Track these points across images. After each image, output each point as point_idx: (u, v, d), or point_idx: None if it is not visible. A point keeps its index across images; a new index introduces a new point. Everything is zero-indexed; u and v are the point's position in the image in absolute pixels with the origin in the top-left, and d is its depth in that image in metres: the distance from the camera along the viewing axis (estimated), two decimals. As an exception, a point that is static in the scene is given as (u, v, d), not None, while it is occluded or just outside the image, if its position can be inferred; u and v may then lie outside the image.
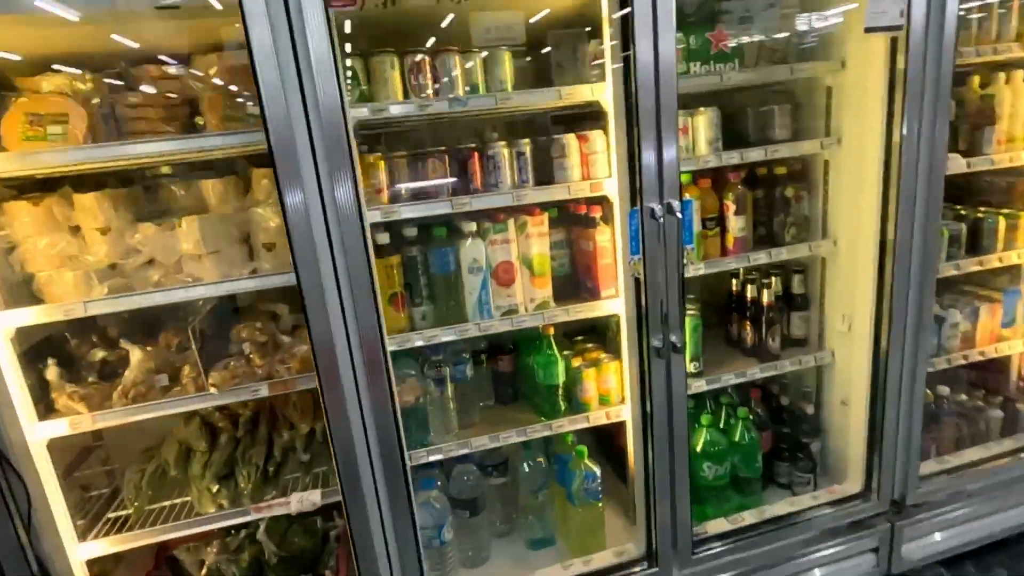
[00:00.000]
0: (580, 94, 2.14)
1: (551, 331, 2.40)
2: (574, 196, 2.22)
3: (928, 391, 2.81)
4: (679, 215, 1.96)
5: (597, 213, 2.31)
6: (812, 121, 2.56)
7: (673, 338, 2.10)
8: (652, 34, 1.85)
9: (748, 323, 2.68)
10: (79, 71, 2.03)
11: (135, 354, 2.10)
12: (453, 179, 2.17)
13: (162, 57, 2.17)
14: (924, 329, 2.49)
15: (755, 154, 2.34)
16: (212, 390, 2.02)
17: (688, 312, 2.51)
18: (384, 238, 2.16)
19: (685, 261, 2.05)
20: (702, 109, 2.33)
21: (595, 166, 2.25)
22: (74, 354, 2.26)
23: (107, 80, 2.09)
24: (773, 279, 2.67)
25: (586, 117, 2.33)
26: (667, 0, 1.84)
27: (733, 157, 2.32)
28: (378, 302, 1.88)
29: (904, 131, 2.24)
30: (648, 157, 1.95)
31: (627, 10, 1.85)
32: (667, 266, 2.04)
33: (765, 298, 2.60)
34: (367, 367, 1.88)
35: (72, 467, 2.50)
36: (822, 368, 2.78)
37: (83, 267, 1.96)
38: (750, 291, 2.67)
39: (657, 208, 1.96)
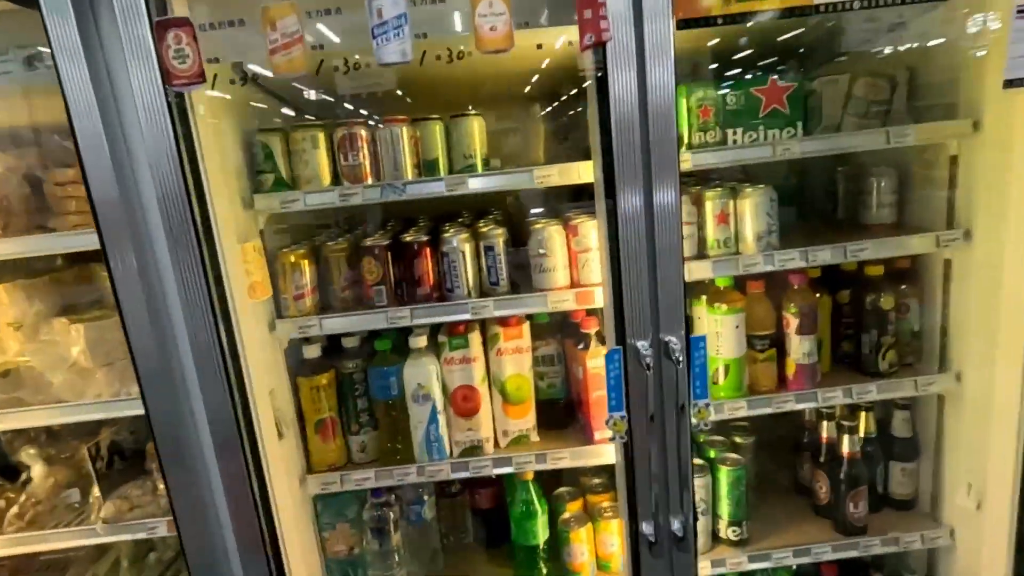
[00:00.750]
0: (567, 174, 1.58)
1: (530, 476, 1.84)
2: (554, 309, 1.65)
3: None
4: (678, 360, 1.34)
5: (592, 327, 1.73)
6: (927, 203, 1.78)
7: (675, 525, 1.46)
8: (637, 67, 1.25)
9: (822, 473, 1.93)
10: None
11: (36, 468, 1.84)
12: (395, 281, 1.70)
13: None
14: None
15: (828, 254, 1.64)
16: (98, 526, 1.70)
17: (723, 463, 1.84)
18: (313, 351, 1.74)
19: (695, 420, 1.42)
20: (749, 189, 1.67)
21: (587, 268, 1.67)
22: (6, 449, 2.07)
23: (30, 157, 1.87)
24: (863, 416, 1.91)
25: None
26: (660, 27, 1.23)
27: (791, 259, 1.63)
28: (247, 443, 1.43)
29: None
30: (633, 269, 1.35)
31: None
32: (664, 429, 1.42)
33: (846, 446, 1.84)
34: (237, 537, 1.44)
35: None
36: (936, 550, 1.94)
37: (-26, 373, 1.72)
38: (826, 429, 1.92)
39: (645, 349, 1.35)
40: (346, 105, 1.95)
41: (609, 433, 1.61)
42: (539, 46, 1.58)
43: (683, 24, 1.24)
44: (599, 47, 1.23)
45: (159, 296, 1.33)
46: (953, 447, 1.83)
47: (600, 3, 1.20)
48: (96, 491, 1.84)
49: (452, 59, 1.28)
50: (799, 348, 1.76)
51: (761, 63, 1.80)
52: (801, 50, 1.82)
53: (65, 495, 1.88)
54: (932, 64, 1.74)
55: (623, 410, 1.40)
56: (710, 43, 1.65)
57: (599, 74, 1.27)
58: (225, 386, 1.34)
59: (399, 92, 1.82)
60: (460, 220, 2.06)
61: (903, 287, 1.83)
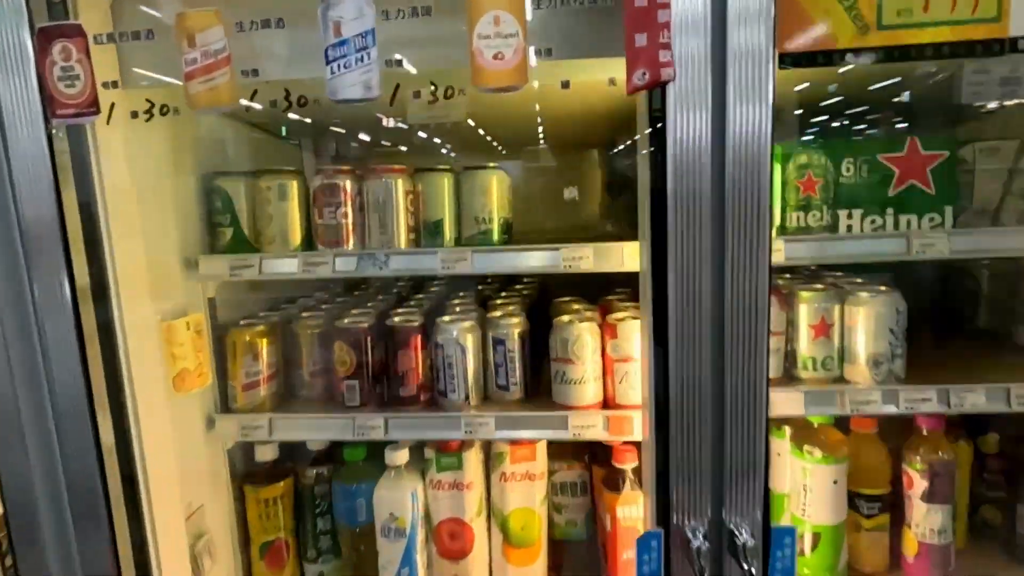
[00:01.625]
0: (606, 257, 1.16)
1: (528, 646, 1.38)
2: (575, 438, 1.22)
3: None
4: (748, 569, 0.87)
5: (628, 462, 1.27)
6: None
7: None
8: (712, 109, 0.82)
9: None
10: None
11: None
12: (372, 376, 1.31)
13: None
14: None
15: (982, 399, 1.13)
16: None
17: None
18: (268, 453, 1.37)
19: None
20: (864, 294, 1.18)
21: (625, 383, 1.23)
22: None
23: None
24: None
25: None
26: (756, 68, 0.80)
27: (926, 399, 1.13)
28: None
29: None
30: (686, 409, 0.90)
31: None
32: (720, 658, 0.94)
33: (986, 662, 1.29)
34: None
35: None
36: None
37: None
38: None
39: (698, 539, 0.89)
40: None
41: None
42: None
43: (789, 60, 0.81)
44: (658, 88, 0.81)
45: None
46: None
47: (661, 24, 0.79)
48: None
49: (436, 98, 0.90)
50: (926, 521, 1.24)
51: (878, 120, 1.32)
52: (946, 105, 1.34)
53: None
54: None
55: (659, 623, 0.94)
56: (820, 91, 1.20)
57: (656, 123, 0.85)
58: (103, 524, 0.97)
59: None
60: (487, 284, 1.68)
61: (1086, 444, 1.28)
